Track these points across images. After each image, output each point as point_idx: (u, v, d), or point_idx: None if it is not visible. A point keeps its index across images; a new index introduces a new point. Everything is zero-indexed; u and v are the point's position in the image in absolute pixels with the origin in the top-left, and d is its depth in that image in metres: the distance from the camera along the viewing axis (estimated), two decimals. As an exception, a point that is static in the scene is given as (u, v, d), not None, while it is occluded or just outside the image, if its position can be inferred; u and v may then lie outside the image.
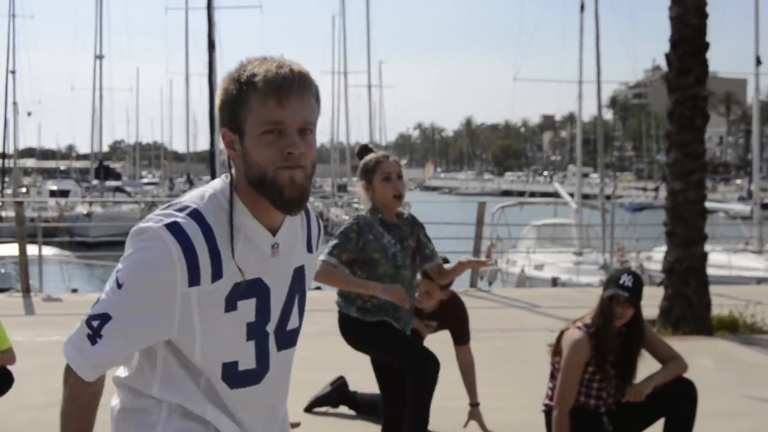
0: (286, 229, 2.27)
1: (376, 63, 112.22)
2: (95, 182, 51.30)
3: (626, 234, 22.77)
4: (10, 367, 6.03)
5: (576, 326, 4.87)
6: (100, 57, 50.17)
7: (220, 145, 2.30)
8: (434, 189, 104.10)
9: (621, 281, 4.78)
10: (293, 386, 2.54)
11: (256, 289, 2.21)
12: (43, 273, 14.47)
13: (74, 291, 16.95)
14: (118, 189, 52.75)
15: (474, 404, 6.17)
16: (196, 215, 2.14)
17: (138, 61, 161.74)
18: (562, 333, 4.94)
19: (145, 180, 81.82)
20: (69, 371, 2.20)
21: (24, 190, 55.88)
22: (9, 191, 52.07)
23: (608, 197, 25.37)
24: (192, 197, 2.19)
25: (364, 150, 4.75)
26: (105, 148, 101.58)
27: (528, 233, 23.83)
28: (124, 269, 2.13)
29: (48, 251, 18.14)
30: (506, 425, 6.31)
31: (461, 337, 6.16)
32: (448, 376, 6.49)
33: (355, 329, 4.69)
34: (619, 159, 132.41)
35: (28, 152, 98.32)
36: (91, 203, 43.72)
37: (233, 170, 2.21)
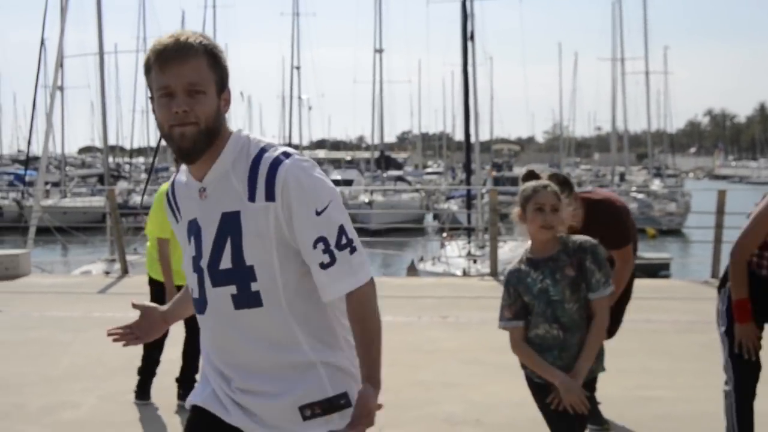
0: (215, 177, 2.61)
1: (654, 49, 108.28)
2: (378, 172, 53.08)
3: None
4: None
5: None
6: (379, 51, 51.83)
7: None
8: (724, 178, 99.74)
9: None
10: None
11: (193, 227, 2.68)
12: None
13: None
14: (399, 178, 54.24)
15: None
16: (177, 173, 2.80)
17: (419, 53, 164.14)
18: None
19: (429, 170, 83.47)
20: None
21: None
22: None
23: None
24: None
25: (529, 176, 4.51)
26: (392, 139, 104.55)
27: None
28: None
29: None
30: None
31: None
32: (637, 366, 6.51)
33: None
34: None
35: (320, 144, 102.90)
36: (372, 192, 45.25)
37: None
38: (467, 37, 23.25)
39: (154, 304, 2.94)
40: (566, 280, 4.06)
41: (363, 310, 2.61)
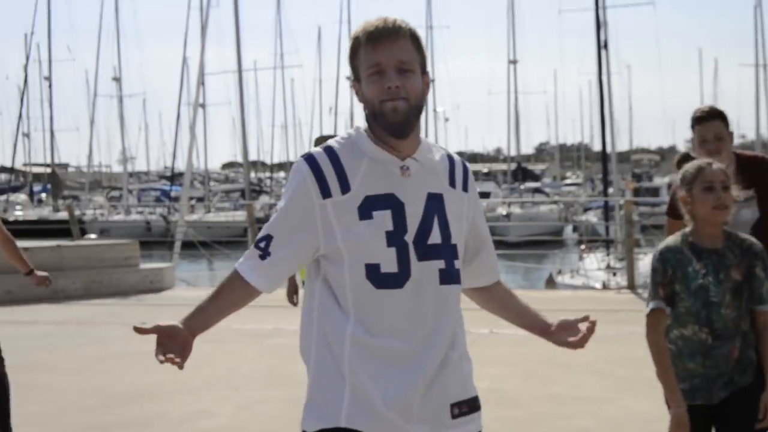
0: (420, 158, 2.69)
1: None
2: (515, 184, 52.98)
3: None
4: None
5: None
6: (513, 62, 51.75)
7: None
8: None
9: None
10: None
11: (389, 202, 2.63)
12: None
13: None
14: (536, 190, 53.92)
15: None
16: (326, 147, 2.68)
17: (554, 63, 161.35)
18: None
19: (567, 181, 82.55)
20: (235, 280, 2.70)
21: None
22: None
23: None
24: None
25: (685, 159, 4.28)
26: (530, 150, 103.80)
27: None
28: (281, 199, 2.73)
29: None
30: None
31: None
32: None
33: None
34: None
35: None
36: (509, 204, 45.05)
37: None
38: (600, 45, 23.03)
39: (169, 323, 2.63)
40: (730, 282, 3.71)
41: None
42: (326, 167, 2.63)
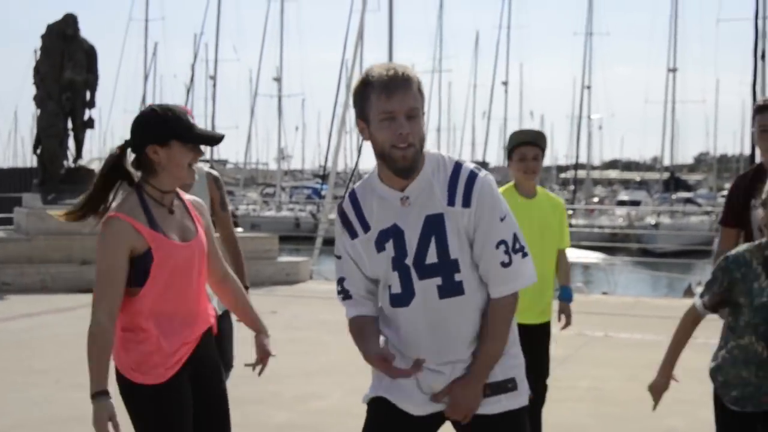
0: (418, 187, 2.97)
1: None
2: (666, 194, 52.07)
3: None
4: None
5: None
6: (673, 70, 50.95)
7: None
8: None
9: None
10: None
11: (393, 231, 2.98)
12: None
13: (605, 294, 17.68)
14: (688, 200, 52.84)
15: None
16: (350, 192, 3.09)
17: (714, 72, 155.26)
18: None
19: (724, 192, 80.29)
20: (351, 324, 3.17)
21: (596, 199, 58.44)
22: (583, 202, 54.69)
23: None
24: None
25: (759, 170, 4.32)
26: (688, 160, 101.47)
27: None
28: None
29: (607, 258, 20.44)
30: None
31: None
32: None
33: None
34: None
35: (612, 164, 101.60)
36: (659, 214, 44.33)
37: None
38: (757, 56, 22.57)
39: None
40: None
41: (512, 310, 3.03)
42: (350, 213, 3.06)
